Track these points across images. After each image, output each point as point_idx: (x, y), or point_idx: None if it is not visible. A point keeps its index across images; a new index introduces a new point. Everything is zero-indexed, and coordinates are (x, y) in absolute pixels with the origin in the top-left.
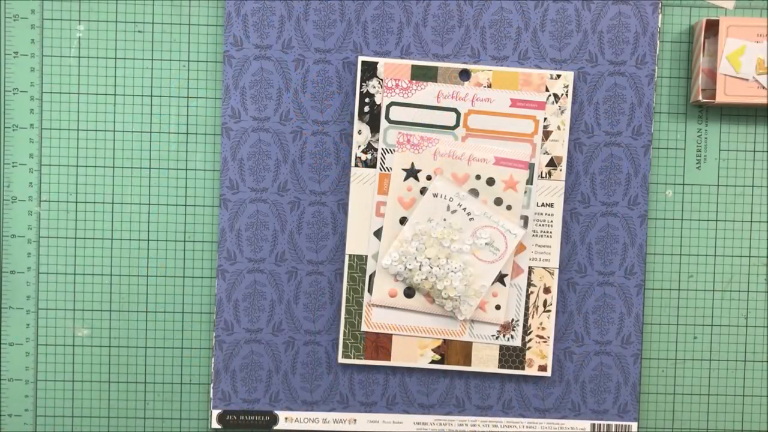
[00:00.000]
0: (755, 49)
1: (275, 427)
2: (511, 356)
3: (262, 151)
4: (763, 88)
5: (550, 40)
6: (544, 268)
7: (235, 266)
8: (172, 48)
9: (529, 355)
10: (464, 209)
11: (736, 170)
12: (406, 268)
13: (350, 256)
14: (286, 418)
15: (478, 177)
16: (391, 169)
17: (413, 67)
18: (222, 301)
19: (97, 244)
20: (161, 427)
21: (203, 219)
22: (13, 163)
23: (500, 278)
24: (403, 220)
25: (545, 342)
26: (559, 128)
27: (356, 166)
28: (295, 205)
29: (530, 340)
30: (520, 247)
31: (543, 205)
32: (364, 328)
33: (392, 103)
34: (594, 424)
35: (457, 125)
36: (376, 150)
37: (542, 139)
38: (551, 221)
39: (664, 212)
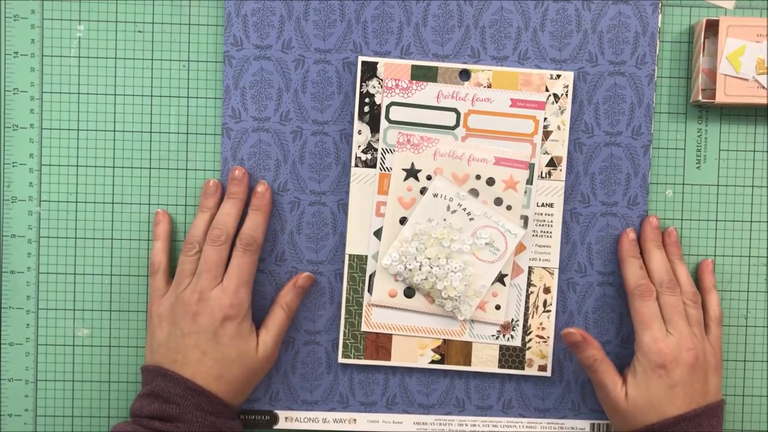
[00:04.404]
0: (755, 49)
1: (275, 427)
2: (511, 356)
3: (262, 151)
4: (763, 88)
5: (550, 40)
6: (544, 268)
7: None
8: (172, 48)
9: (529, 355)
10: (464, 209)
11: (736, 170)
12: (406, 268)
13: (350, 256)
14: (286, 418)
15: (478, 177)
16: (391, 169)
17: (413, 67)
18: None
19: (97, 244)
20: None
21: None
22: (13, 163)
23: (500, 278)
24: (403, 220)
25: (545, 342)
26: (559, 128)
27: (356, 166)
28: (295, 205)
29: (530, 340)
30: (520, 247)
31: (543, 205)
32: (364, 328)
33: (392, 103)
34: (594, 424)
35: (457, 125)
36: (376, 150)
37: (542, 139)
38: (551, 221)
39: (664, 212)
